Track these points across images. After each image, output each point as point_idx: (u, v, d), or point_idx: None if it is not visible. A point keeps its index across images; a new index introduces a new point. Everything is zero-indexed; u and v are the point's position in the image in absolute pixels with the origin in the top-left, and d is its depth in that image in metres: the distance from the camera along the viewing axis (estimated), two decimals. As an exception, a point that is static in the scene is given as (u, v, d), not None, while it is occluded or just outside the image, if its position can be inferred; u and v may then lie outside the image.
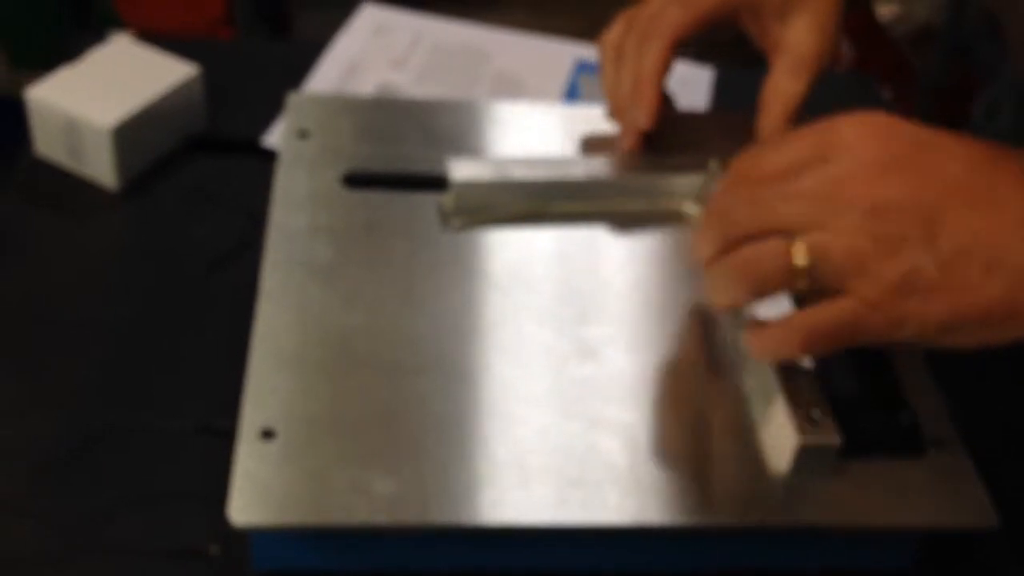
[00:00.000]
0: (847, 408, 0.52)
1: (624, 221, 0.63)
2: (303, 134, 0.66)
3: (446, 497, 0.48)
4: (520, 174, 0.63)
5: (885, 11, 1.71)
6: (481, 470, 0.49)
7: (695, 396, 0.54)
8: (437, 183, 0.63)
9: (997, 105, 0.87)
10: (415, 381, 0.53)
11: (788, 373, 0.52)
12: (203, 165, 0.76)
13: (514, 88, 0.88)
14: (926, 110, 1.66)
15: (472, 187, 0.62)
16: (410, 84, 0.86)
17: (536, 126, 0.71)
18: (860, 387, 0.54)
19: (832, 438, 0.50)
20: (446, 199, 0.62)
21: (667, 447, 0.51)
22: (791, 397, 0.51)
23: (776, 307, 0.51)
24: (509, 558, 0.52)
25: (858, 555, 0.54)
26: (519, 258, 0.60)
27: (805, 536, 0.52)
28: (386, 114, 0.69)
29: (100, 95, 0.71)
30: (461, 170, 0.62)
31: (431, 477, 0.49)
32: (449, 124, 0.69)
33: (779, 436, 0.51)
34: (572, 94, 0.88)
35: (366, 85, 0.85)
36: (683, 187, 0.64)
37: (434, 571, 0.52)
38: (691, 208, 0.64)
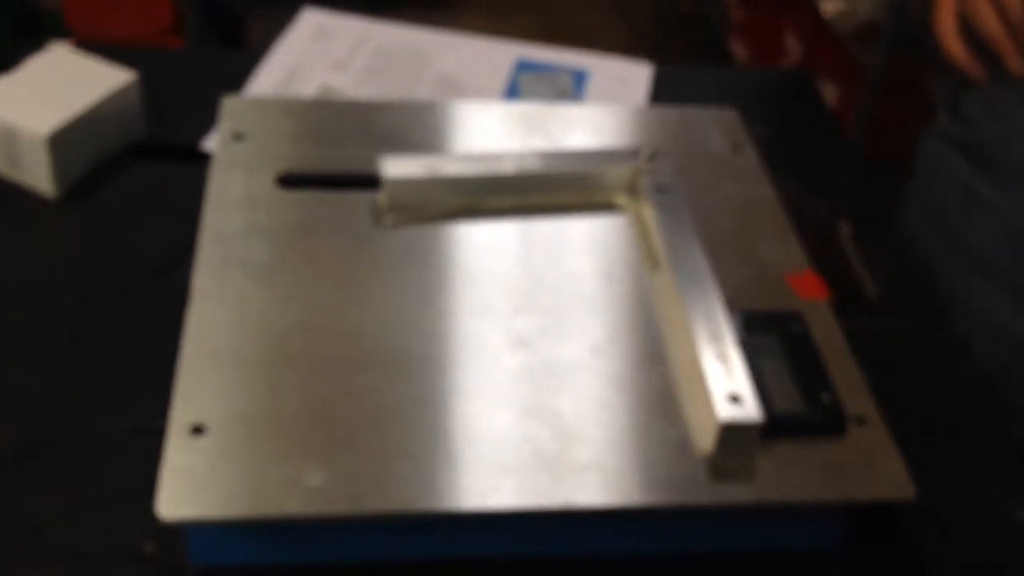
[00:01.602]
0: (770, 389, 0.54)
1: (557, 214, 0.64)
2: (238, 136, 0.66)
3: (378, 487, 0.49)
4: (452, 170, 0.64)
5: (830, 8, 1.74)
6: (414, 460, 0.50)
7: (625, 382, 0.55)
8: (372, 182, 0.63)
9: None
10: (350, 376, 0.53)
11: (713, 355, 0.53)
12: (144, 171, 0.76)
13: (455, 89, 0.89)
14: (872, 106, 1.68)
15: (405, 184, 0.63)
16: (351, 87, 0.87)
17: (473, 124, 0.72)
18: (784, 369, 0.55)
19: (754, 417, 0.51)
20: (380, 197, 0.63)
21: (596, 432, 0.52)
22: (715, 378, 0.52)
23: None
24: (442, 546, 0.53)
25: (786, 535, 0.55)
26: (453, 253, 0.61)
27: (731, 516, 0.54)
28: (323, 116, 0.70)
29: (36, 103, 0.72)
30: (393, 168, 0.63)
31: (364, 469, 0.49)
32: (386, 124, 0.70)
33: (703, 416, 0.52)
34: (512, 93, 0.89)
35: (307, 88, 0.86)
36: (615, 179, 0.65)
37: (371, 562, 0.53)
38: (623, 199, 0.65)
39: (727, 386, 0.52)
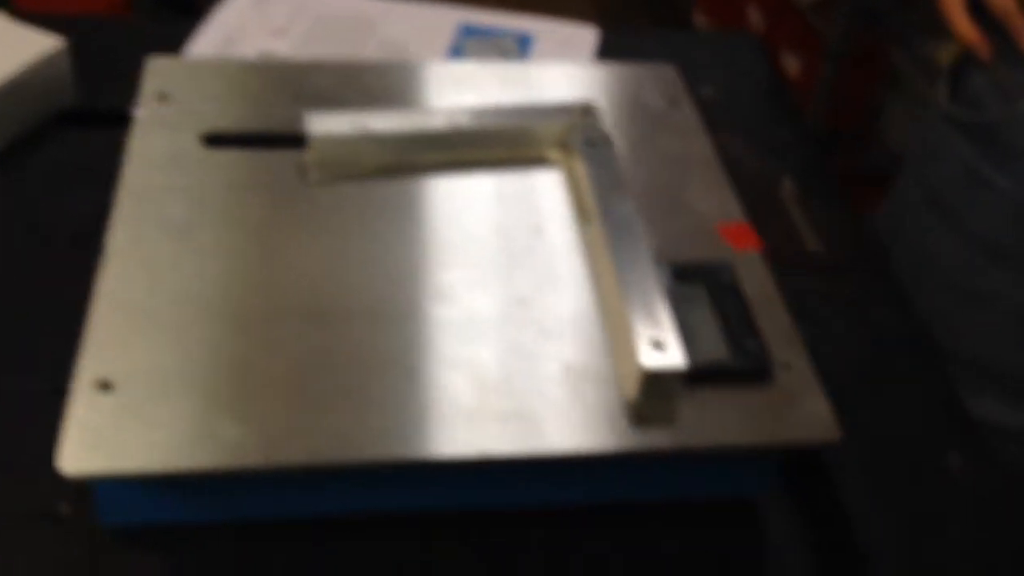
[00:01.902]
0: (696, 336, 0.53)
1: (488, 169, 0.63)
2: (163, 97, 0.65)
3: (294, 439, 0.48)
4: (381, 127, 0.63)
5: (791, -20, 1.73)
6: (329, 412, 0.49)
7: (550, 332, 0.54)
8: (299, 140, 0.62)
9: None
10: (266, 329, 0.52)
11: (638, 304, 0.52)
12: (74, 138, 0.75)
13: (398, 55, 0.87)
14: (833, 77, 1.68)
15: (331, 141, 0.62)
16: (291, 53, 0.86)
17: (407, 83, 0.71)
18: (710, 317, 0.55)
19: (677, 363, 0.50)
20: (306, 155, 0.62)
21: (518, 382, 0.51)
22: (639, 326, 0.51)
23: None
24: (358, 500, 0.52)
25: (713, 482, 0.55)
26: (380, 209, 0.60)
27: (655, 463, 0.53)
28: (253, 76, 0.69)
29: (-39, 69, 0.70)
30: (319, 124, 0.62)
31: (279, 421, 0.48)
32: (318, 84, 0.69)
33: (628, 364, 0.51)
34: (456, 56, 0.88)
35: (245, 54, 0.85)
36: (547, 134, 0.64)
37: (284, 518, 0.52)
38: (555, 154, 0.64)
39: (651, 334, 0.51)
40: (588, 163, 0.61)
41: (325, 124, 0.62)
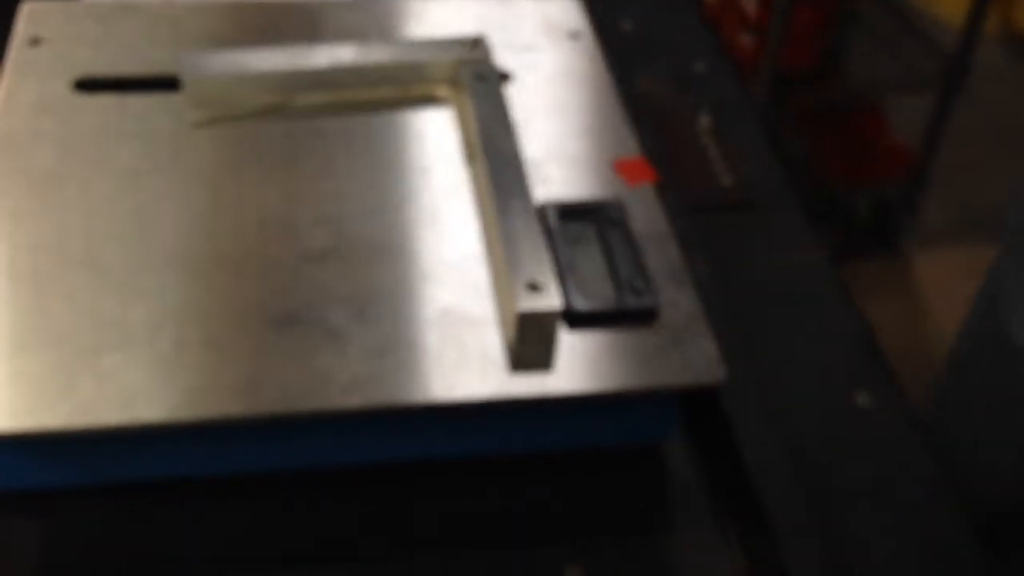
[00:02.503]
0: (579, 277, 0.51)
1: (376, 110, 0.61)
2: (35, 41, 0.62)
3: (150, 396, 0.46)
4: (259, 66, 0.60)
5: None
6: (191, 367, 0.47)
7: (432, 275, 0.52)
8: (175, 83, 0.59)
9: None
10: (134, 279, 0.50)
11: (518, 245, 0.50)
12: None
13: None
14: (788, 12, 1.65)
15: (207, 82, 0.59)
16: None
17: (289, 22, 0.68)
18: (596, 257, 0.52)
19: (552, 305, 0.48)
20: (181, 97, 0.59)
21: (392, 326, 0.49)
22: (517, 268, 0.49)
23: None
24: (215, 462, 0.50)
25: (611, 429, 0.53)
26: (257, 154, 0.57)
27: (540, 411, 0.51)
28: (130, 20, 0.66)
29: None
30: (194, 65, 0.59)
31: (134, 376, 0.46)
32: (196, 26, 0.65)
33: (507, 306, 0.49)
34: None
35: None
36: (436, 69, 0.62)
37: (142, 480, 0.50)
38: (445, 91, 0.62)
39: (528, 275, 0.49)
40: (475, 99, 0.59)
41: (200, 64, 0.59)
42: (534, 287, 0.48)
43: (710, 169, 0.72)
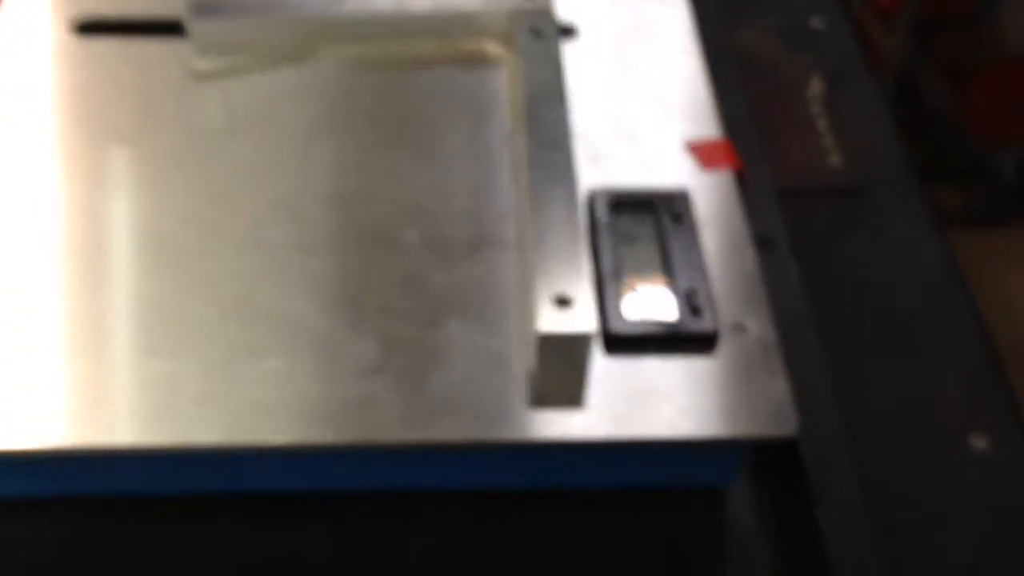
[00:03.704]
0: (621, 286, 0.42)
1: (411, 67, 0.52)
2: (37, -24, 0.55)
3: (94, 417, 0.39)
4: (278, 8, 0.51)
5: None
6: (178, 385, 0.40)
7: (440, 276, 0.43)
8: (183, 27, 0.52)
9: None
10: (98, 266, 0.43)
11: (550, 245, 0.41)
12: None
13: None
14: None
15: (218, 27, 0.50)
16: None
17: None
18: (648, 263, 0.43)
19: (581, 327, 0.39)
20: (189, 42, 0.51)
21: (403, 348, 0.41)
22: (545, 275, 0.40)
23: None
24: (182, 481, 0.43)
25: (657, 470, 0.43)
26: (269, 111, 0.49)
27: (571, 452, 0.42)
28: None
29: None
30: (204, 6, 0.51)
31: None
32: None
33: (526, 323, 0.40)
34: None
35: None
36: (487, 23, 0.52)
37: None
38: (496, 48, 0.52)
39: (558, 285, 0.40)
40: (524, 59, 0.49)
41: (211, 6, 0.51)
42: (563, 302, 0.39)
43: (817, 145, 0.61)
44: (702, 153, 0.48)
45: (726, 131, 0.51)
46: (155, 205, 0.45)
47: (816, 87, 0.64)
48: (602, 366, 0.40)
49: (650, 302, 0.41)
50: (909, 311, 0.52)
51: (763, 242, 0.52)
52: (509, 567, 0.42)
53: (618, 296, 0.41)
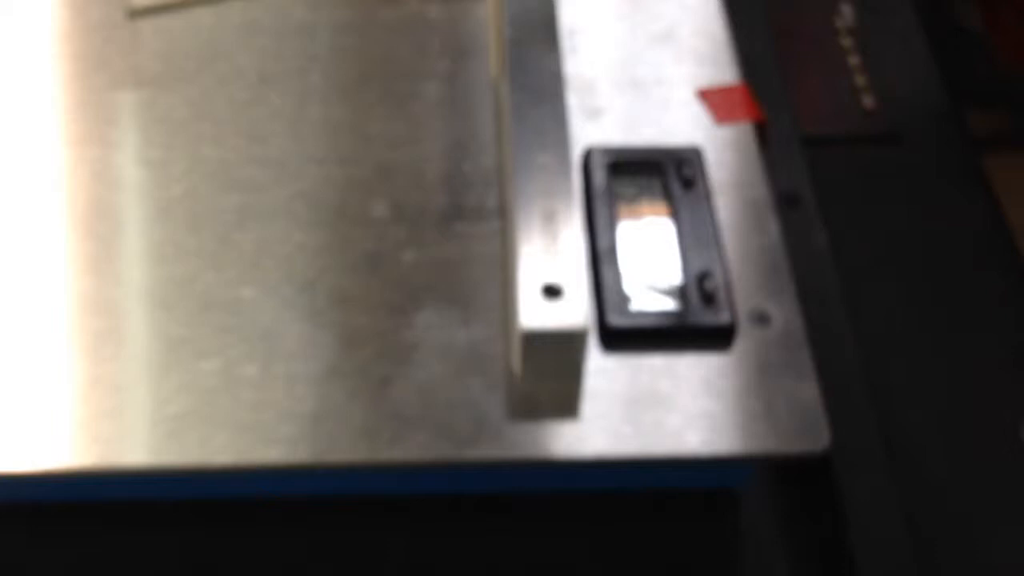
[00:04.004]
0: (621, 267, 0.35)
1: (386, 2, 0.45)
2: None
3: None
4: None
5: None
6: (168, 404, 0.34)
7: (410, 258, 0.37)
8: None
9: None
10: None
11: (537, 221, 0.34)
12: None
13: None
14: None
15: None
16: None
17: None
18: (653, 234, 0.36)
19: (574, 322, 0.32)
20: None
21: (368, 350, 0.35)
22: (531, 259, 0.34)
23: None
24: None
25: (663, 474, 0.38)
26: (212, 52, 0.42)
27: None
28: None
29: None
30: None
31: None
32: None
33: (509, 315, 0.34)
34: None
35: None
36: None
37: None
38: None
39: (544, 271, 0.33)
40: (510, -13, 0.42)
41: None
42: (551, 291, 0.33)
43: (846, 84, 0.54)
44: (716, 102, 0.41)
45: (744, 72, 0.44)
46: (79, 169, 0.38)
47: (846, 15, 0.56)
48: (598, 365, 0.34)
49: (655, 288, 0.35)
50: (951, 281, 0.46)
51: (786, 199, 0.45)
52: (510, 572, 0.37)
53: (617, 280, 0.35)
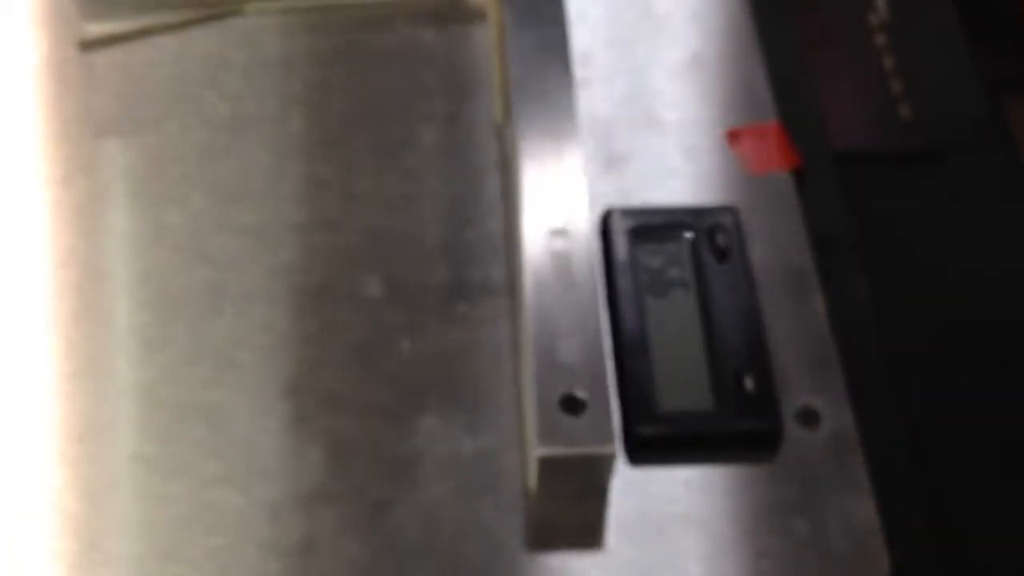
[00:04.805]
0: (648, 364, 0.31)
1: (366, 25, 0.39)
2: None
3: None
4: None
5: None
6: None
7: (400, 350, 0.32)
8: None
9: None
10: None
11: (543, 307, 0.30)
12: None
13: None
14: None
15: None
16: None
17: None
18: (683, 322, 0.32)
19: (601, 442, 0.28)
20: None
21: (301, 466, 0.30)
22: (544, 358, 0.29)
23: None
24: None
25: None
26: (176, 90, 0.37)
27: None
28: None
29: None
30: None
31: None
32: None
33: (525, 431, 0.30)
34: None
35: None
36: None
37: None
38: (480, -6, 0.40)
39: (563, 380, 0.29)
40: (517, 11, 0.37)
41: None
42: (571, 404, 0.29)
43: (881, 91, 0.49)
44: (750, 149, 0.36)
45: (770, 81, 0.39)
46: (23, 238, 0.34)
47: (881, 9, 0.51)
48: (624, 480, 0.30)
49: (686, 386, 0.31)
50: (1003, 323, 0.42)
51: (820, 242, 0.41)
52: None
53: (644, 377, 0.31)
